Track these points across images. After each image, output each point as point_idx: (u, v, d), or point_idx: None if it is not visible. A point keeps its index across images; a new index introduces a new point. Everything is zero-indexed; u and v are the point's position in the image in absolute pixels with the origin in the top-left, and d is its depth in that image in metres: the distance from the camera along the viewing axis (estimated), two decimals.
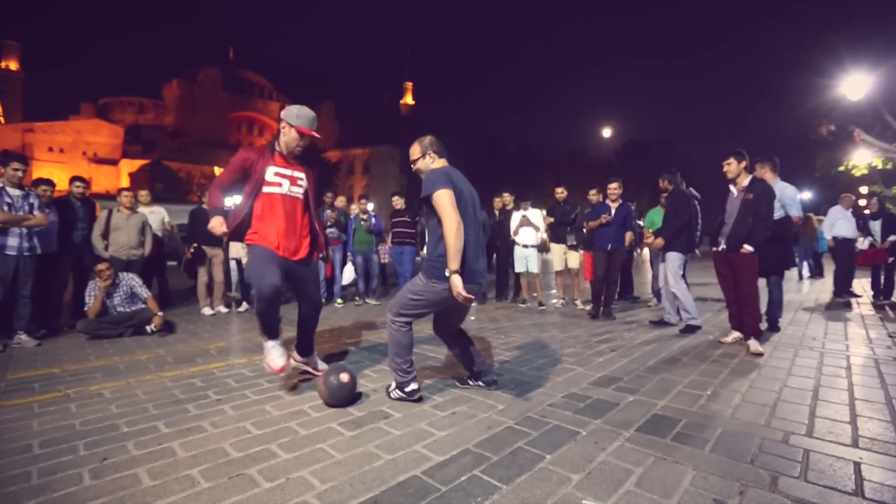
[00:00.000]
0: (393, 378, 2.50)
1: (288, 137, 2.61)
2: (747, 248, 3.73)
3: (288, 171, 2.65)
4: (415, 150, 2.46)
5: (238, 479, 1.67)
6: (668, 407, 2.38)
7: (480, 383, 2.69)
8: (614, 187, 5.42)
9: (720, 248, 3.95)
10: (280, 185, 2.62)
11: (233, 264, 6.25)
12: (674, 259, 4.65)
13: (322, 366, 3.00)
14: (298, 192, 2.70)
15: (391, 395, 2.50)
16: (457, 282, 2.15)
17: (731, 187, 3.92)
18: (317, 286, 2.91)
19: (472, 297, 2.22)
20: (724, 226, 3.93)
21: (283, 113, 2.65)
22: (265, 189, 2.58)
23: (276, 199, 2.60)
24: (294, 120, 2.59)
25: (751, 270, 3.76)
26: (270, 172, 2.59)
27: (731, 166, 3.83)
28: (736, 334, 3.93)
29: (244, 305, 6.03)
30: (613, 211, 5.36)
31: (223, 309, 5.84)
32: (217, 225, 2.49)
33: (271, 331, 2.58)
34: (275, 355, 2.58)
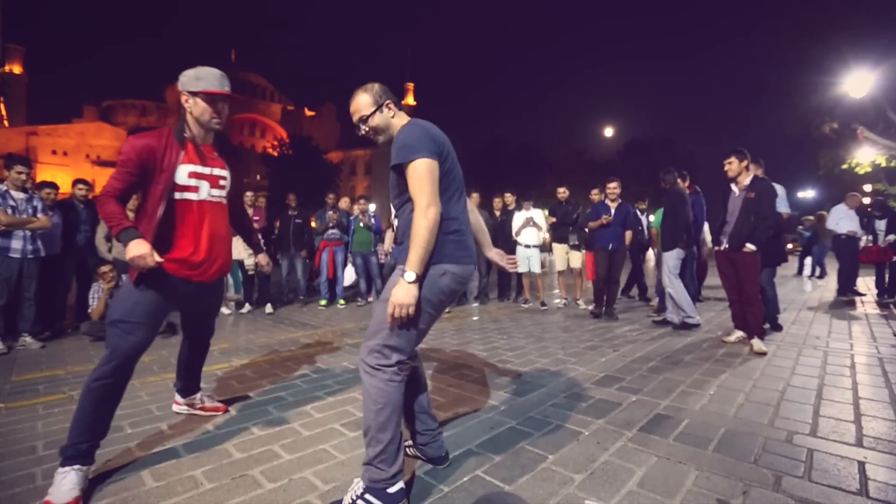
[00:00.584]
0: (365, 473, 1.49)
1: (197, 111, 1.89)
2: (750, 246, 3.72)
3: (206, 170, 1.94)
4: (363, 103, 1.69)
5: (241, 480, 1.68)
6: (671, 407, 2.38)
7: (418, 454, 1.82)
8: (613, 187, 5.42)
9: (722, 248, 3.94)
10: (197, 189, 1.91)
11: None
12: (669, 258, 4.65)
13: (211, 402, 2.40)
14: (221, 195, 2.01)
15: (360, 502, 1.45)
16: (412, 291, 1.48)
17: (733, 186, 3.91)
18: (216, 312, 2.35)
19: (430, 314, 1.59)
20: (727, 225, 3.92)
21: (180, 84, 1.90)
22: (178, 195, 1.86)
23: (191, 207, 1.90)
24: (195, 85, 1.87)
25: (753, 269, 3.75)
26: (182, 173, 1.86)
27: (733, 165, 3.82)
28: (739, 333, 3.92)
29: (246, 307, 6.05)
30: (613, 211, 5.35)
31: (225, 311, 5.86)
32: (146, 253, 1.67)
33: (97, 431, 1.71)
34: (66, 486, 1.56)
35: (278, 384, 2.86)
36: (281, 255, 6.60)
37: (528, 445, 1.94)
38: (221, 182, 2.01)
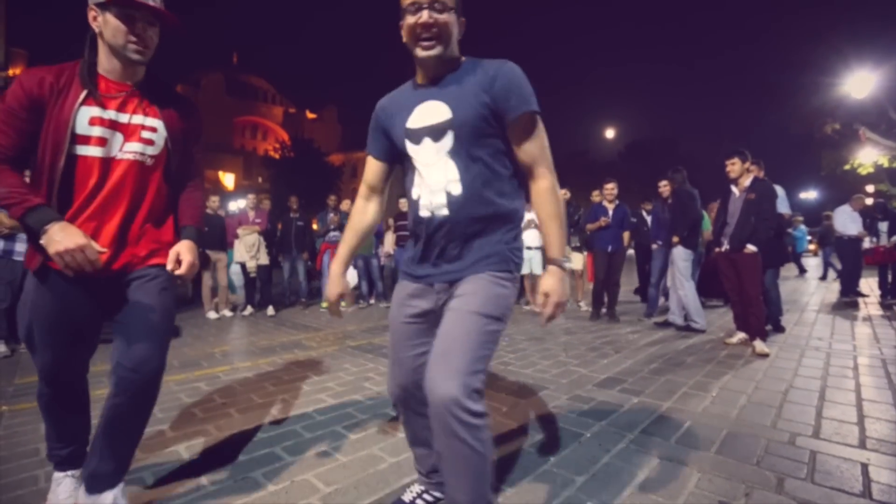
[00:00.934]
0: None
1: (108, 31, 1.29)
2: (750, 247, 3.72)
3: (122, 117, 1.35)
4: None
5: (243, 483, 1.68)
6: (673, 408, 2.37)
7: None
8: (610, 188, 5.45)
9: (723, 249, 3.94)
10: (103, 141, 1.32)
11: (236, 268, 6.27)
12: (679, 259, 4.64)
13: None
14: (145, 154, 1.39)
15: None
16: (567, 281, 1.21)
17: (733, 187, 3.91)
18: (155, 331, 1.36)
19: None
20: (727, 226, 3.92)
21: None
22: (78, 149, 1.30)
23: (92, 167, 1.32)
24: None
25: (754, 270, 3.75)
26: (83, 118, 1.29)
27: (736, 166, 3.82)
28: (741, 335, 3.91)
29: (248, 309, 6.06)
30: (611, 212, 5.37)
31: (228, 313, 5.87)
32: (81, 244, 1.19)
33: (68, 438, 1.49)
34: (62, 494, 1.46)
35: (280, 386, 2.86)
36: (283, 257, 6.62)
37: (529, 447, 1.94)
38: (147, 134, 1.38)
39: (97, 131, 1.31)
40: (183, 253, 1.43)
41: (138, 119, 1.38)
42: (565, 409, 2.38)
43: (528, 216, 6.31)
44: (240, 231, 5.97)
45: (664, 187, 5.21)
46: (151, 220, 1.45)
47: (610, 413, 2.32)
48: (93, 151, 1.32)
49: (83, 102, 1.29)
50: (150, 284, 1.40)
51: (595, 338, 4.27)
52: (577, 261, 6.42)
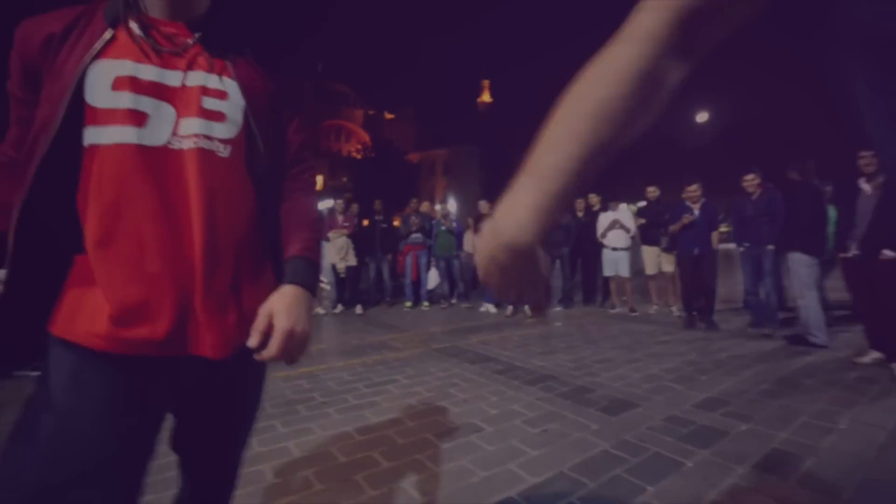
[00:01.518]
0: None
1: None
2: (888, 253, 3.20)
3: (173, 77, 0.74)
4: None
5: (346, 484, 1.82)
6: (791, 441, 2.13)
7: None
8: (693, 189, 4.99)
9: (850, 254, 3.44)
10: (135, 117, 0.70)
11: (325, 266, 6.73)
12: (799, 263, 4.10)
13: None
14: (213, 137, 0.75)
15: None
16: None
17: (863, 183, 3.39)
18: (233, 447, 0.93)
19: None
20: (855, 228, 3.42)
21: None
22: (89, 135, 0.69)
23: (123, 167, 0.69)
24: None
25: (893, 279, 3.22)
26: (101, 78, 0.69)
27: (875, 159, 3.31)
28: (875, 354, 3.38)
29: (339, 307, 6.49)
30: (697, 211, 4.92)
31: (320, 311, 6.34)
32: None
33: None
34: None
35: (372, 388, 3.04)
36: (368, 258, 7.01)
37: (624, 473, 1.87)
38: (212, 104, 0.77)
39: (126, 101, 0.70)
40: (277, 317, 0.75)
41: (197, 78, 0.77)
42: (661, 432, 2.25)
43: (612, 216, 6.03)
44: (330, 234, 6.40)
45: (750, 182, 4.61)
46: (245, 262, 0.81)
47: (714, 440, 2.15)
48: (119, 136, 0.70)
49: (100, 53, 0.71)
50: (248, 380, 0.87)
51: (691, 349, 3.96)
52: (669, 262, 5.99)
